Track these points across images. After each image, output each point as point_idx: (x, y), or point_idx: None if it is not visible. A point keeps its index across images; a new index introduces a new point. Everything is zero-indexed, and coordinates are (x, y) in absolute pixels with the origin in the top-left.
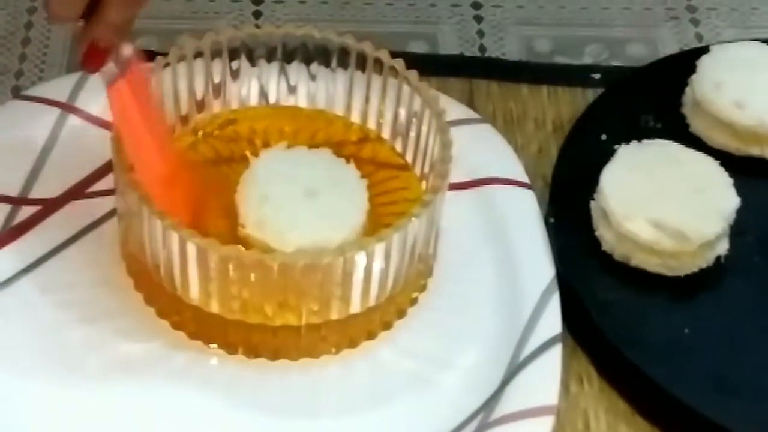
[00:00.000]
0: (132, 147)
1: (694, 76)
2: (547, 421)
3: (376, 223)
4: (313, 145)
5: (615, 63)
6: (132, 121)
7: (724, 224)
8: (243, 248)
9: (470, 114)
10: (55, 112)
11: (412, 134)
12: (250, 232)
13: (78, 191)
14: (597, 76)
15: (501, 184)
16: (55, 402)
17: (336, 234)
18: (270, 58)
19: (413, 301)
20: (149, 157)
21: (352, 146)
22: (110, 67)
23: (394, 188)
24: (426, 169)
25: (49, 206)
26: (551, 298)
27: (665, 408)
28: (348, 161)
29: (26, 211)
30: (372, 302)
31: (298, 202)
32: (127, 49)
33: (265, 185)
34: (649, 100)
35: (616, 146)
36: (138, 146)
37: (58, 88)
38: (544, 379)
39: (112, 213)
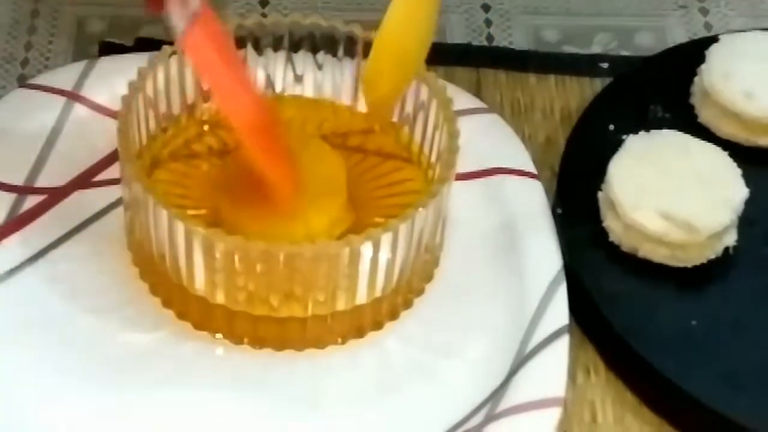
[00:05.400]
0: (218, 93)
1: (703, 66)
2: (554, 413)
3: (383, 214)
4: (320, 135)
5: (623, 52)
6: (213, 67)
7: (732, 215)
8: (249, 238)
9: (477, 104)
10: (61, 100)
11: (419, 124)
12: None
13: (84, 180)
14: (605, 65)
15: (508, 174)
16: (60, 391)
17: None
18: (276, 47)
19: (420, 292)
20: (237, 102)
21: (359, 136)
22: (179, 14)
23: (401, 179)
24: (433, 159)
25: (55, 195)
26: (558, 289)
27: (672, 399)
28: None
29: (31, 201)
30: (378, 293)
31: None
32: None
33: None
34: (657, 90)
35: (624, 136)
36: (224, 92)
37: (64, 76)
38: (551, 370)
39: (118, 202)
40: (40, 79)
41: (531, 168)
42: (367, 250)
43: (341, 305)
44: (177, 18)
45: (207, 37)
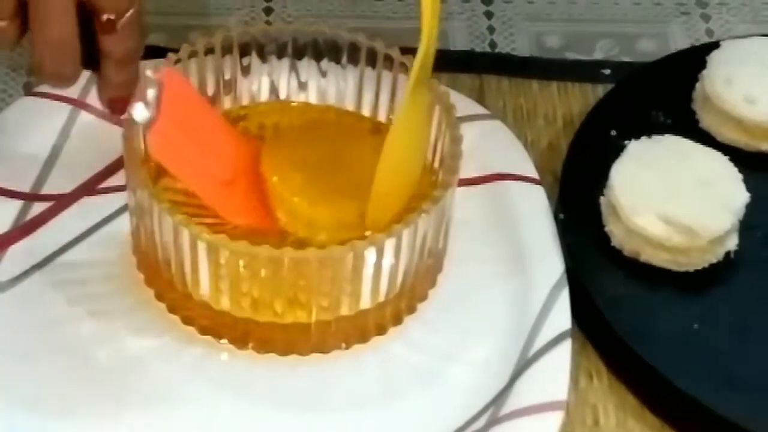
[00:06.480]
0: (193, 182)
1: (704, 72)
2: (557, 417)
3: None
4: None
5: (625, 59)
6: (184, 153)
7: (733, 219)
8: (252, 244)
9: (480, 110)
10: (67, 108)
11: None
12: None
13: (89, 187)
14: (607, 71)
15: (511, 180)
16: (65, 396)
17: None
18: (280, 54)
19: (423, 297)
20: (214, 184)
21: None
22: (142, 111)
23: None
24: (436, 165)
25: (61, 202)
26: (561, 294)
27: (675, 403)
28: None
29: (38, 207)
30: (382, 298)
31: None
32: (151, 89)
33: None
34: (659, 95)
35: (626, 142)
36: (200, 180)
37: None
38: (554, 374)
39: (123, 209)
40: (46, 87)
41: (533, 173)
42: (370, 255)
43: (345, 310)
44: (140, 113)
45: (172, 120)
